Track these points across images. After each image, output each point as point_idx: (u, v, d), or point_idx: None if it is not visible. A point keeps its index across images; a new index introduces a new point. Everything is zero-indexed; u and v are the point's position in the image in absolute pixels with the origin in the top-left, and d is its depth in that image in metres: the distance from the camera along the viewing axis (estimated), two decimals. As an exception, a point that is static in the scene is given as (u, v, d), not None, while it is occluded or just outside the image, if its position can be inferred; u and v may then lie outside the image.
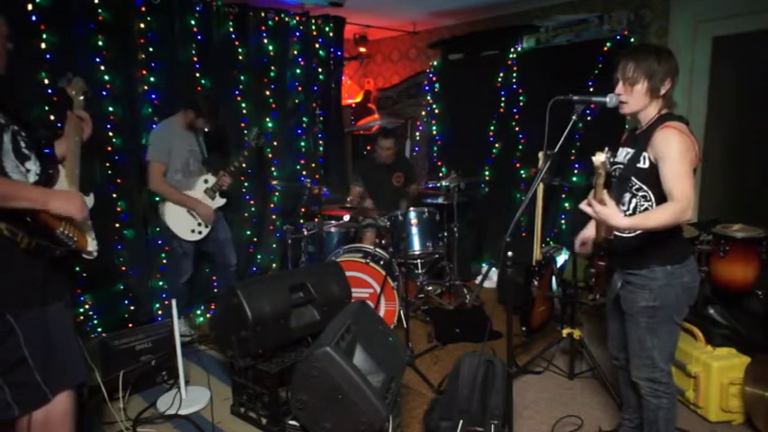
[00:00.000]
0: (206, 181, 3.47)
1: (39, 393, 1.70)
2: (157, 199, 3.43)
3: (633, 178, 1.90)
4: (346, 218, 4.10)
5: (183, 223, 3.37)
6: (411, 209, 4.02)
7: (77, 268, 3.22)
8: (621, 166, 1.98)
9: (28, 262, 1.67)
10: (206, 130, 3.51)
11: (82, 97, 2.12)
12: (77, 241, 1.85)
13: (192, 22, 3.77)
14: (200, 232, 3.43)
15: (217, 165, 3.57)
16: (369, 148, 5.55)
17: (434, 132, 5.42)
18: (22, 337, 1.66)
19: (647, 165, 1.86)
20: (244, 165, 3.63)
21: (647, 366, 1.96)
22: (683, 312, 1.96)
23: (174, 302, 2.81)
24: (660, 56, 1.87)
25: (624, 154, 2.01)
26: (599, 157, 1.66)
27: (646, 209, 1.89)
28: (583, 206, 1.78)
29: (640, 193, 1.90)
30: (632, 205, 1.93)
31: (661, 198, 1.84)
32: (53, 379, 1.73)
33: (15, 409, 1.66)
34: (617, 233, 1.95)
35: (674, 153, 1.77)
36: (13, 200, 1.61)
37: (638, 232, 1.88)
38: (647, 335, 1.94)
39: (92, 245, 1.96)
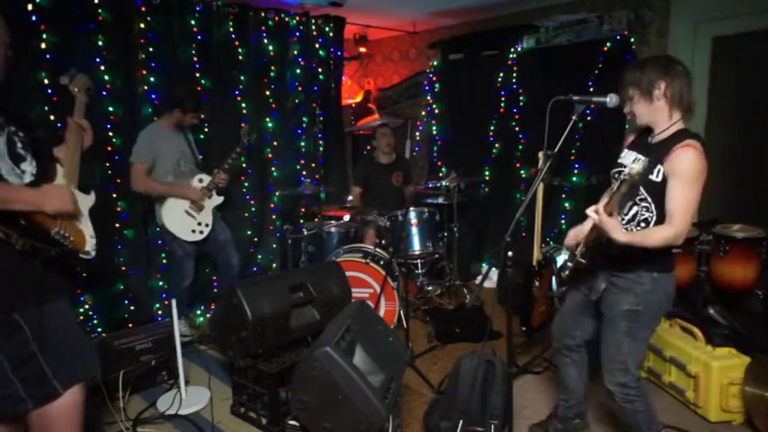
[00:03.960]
0: (200, 180, 3.46)
1: (50, 388, 1.72)
2: (153, 201, 3.41)
3: (641, 188, 1.88)
4: (346, 218, 4.10)
5: (182, 224, 3.36)
6: (411, 209, 4.02)
7: (77, 268, 3.22)
8: None
9: (25, 262, 1.68)
10: (206, 126, 3.49)
11: (85, 96, 2.08)
12: (73, 241, 1.85)
13: (192, 22, 3.77)
14: (201, 232, 3.41)
15: (214, 164, 3.57)
16: (369, 148, 5.56)
17: (434, 132, 5.42)
18: (30, 334, 1.68)
19: (659, 178, 1.85)
20: (236, 159, 3.58)
21: (620, 371, 1.99)
22: (659, 321, 2.05)
23: (173, 302, 2.80)
24: (644, 64, 1.90)
25: (633, 159, 1.98)
26: (637, 167, 1.58)
27: (645, 219, 1.90)
28: (589, 211, 1.76)
29: (643, 204, 1.89)
30: (632, 213, 1.92)
31: (662, 213, 1.85)
32: (63, 373, 1.75)
33: (29, 403, 1.69)
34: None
35: (689, 176, 1.79)
36: (8, 203, 1.62)
37: None
38: (625, 339, 1.97)
39: (89, 244, 1.95)
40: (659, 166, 1.84)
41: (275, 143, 4.37)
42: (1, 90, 1.76)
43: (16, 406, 1.68)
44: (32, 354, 1.69)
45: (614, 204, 1.71)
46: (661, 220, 1.86)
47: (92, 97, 2.13)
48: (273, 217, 4.44)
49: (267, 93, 4.28)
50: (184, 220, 3.37)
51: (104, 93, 3.40)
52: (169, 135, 3.37)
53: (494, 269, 4.39)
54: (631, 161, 1.98)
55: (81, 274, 3.34)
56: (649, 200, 1.88)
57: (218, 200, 3.52)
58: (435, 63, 5.37)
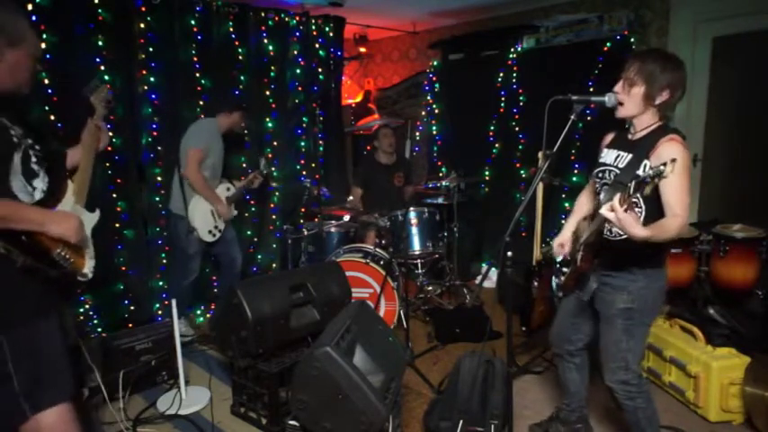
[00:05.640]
0: (228, 189, 3.59)
1: (18, 410, 1.65)
2: (185, 191, 3.39)
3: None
4: (346, 218, 4.11)
5: (205, 221, 3.43)
6: (411, 209, 4.02)
7: (75, 289, 3.19)
8: (616, 171, 1.95)
9: (23, 280, 1.64)
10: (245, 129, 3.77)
11: (104, 109, 2.09)
12: (73, 263, 1.81)
13: (192, 22, 3.77)
14: (214, 235, 3.48)
15: (229, 170, 3.70)
16: (369, 148, 5.56)
17: (434, 132, 5.42)
18: (10, 355, 1.62)
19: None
20: (250, 184, 3.75)
21: (621, 369, 2.00)
22: (655, 316, 2.03)
23: (173, 302, 2.80)
24: (666, 64, 1.84)
25: (615, 156, 1.98)
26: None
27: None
28: (604, 211, 1.69)
29: (632, 200, 1.86)
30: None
31: (651, 208, 1.85)
32: (36, 395, 1.68)
33: None
34: (606, 236, 1.95)
35: (679, 167, 1.74)
36: (13, 222, 1.59)
37: (625, 236, 1.79)
38: (624, 337, 1.97)
39: (88, 265, 1.92)
40: (646, 161, 1.84)
41: (275, 143, 4.37)
42: (11, 100, 1.75)
43: None
44: (7, 375, 1.61)
45: (630, 202, 1.66)
46: (650, 214, 1.85)
47: (111, 110, 2.10)
48: (273, 217, 4.44)
49: (267, 93, 4.28)
50: (208, 218, 3.45)
51: (104, 93, 3.40)
52: (219, 136, 3.49)
53: (494, 269, 4.40)
54: (613, 159, 1.99)
55: (78, 293, 3.29)
56: (638, 195, 1.87)
57: (233, 212, 3.66)
58: (435, 63, 5.37)
